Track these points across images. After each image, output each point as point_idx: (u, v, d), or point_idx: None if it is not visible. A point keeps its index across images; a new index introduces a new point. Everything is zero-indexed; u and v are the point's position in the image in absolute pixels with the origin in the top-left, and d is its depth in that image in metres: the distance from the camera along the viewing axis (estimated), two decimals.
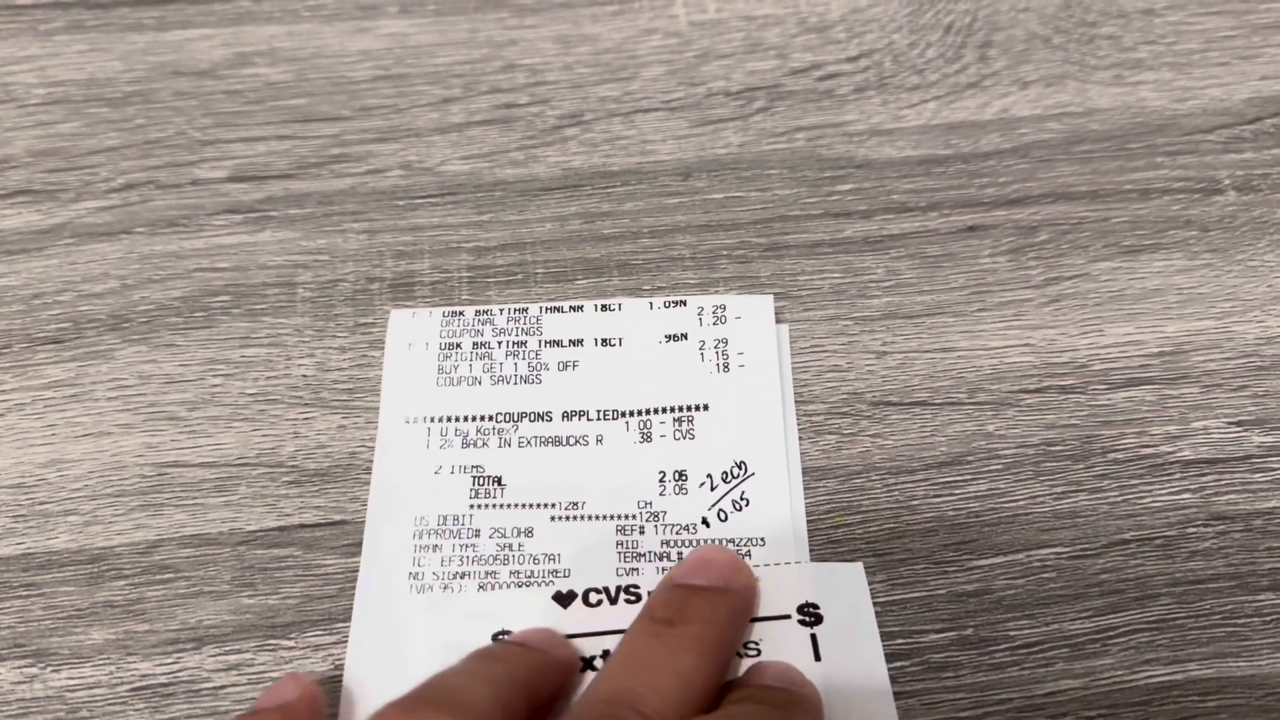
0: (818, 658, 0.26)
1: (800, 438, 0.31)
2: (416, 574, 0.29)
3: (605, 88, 0.39)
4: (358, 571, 0.29)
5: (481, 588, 0.29)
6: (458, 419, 0.31)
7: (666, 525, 0.29)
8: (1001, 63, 0.39)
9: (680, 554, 0.29)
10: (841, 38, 0.40)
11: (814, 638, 0.27)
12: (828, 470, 0.31)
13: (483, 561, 0.29)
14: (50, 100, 0.38)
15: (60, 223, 0.35)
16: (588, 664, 0.26)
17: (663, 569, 0.28)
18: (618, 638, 0.26)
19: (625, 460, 0.30)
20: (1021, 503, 0.30)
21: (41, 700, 0.28)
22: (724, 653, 0.25)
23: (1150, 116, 0.38)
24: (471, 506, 0.30)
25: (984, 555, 0.29)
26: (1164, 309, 0.33)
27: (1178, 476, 0.30)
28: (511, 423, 0.31)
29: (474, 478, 0.30)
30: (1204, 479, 0.30)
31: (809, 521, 0.30)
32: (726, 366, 0.32)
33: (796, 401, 0.32)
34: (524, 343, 0.32)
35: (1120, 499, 0.30)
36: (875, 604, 0.28)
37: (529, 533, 0.29)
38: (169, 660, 0.28)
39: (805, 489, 0.30)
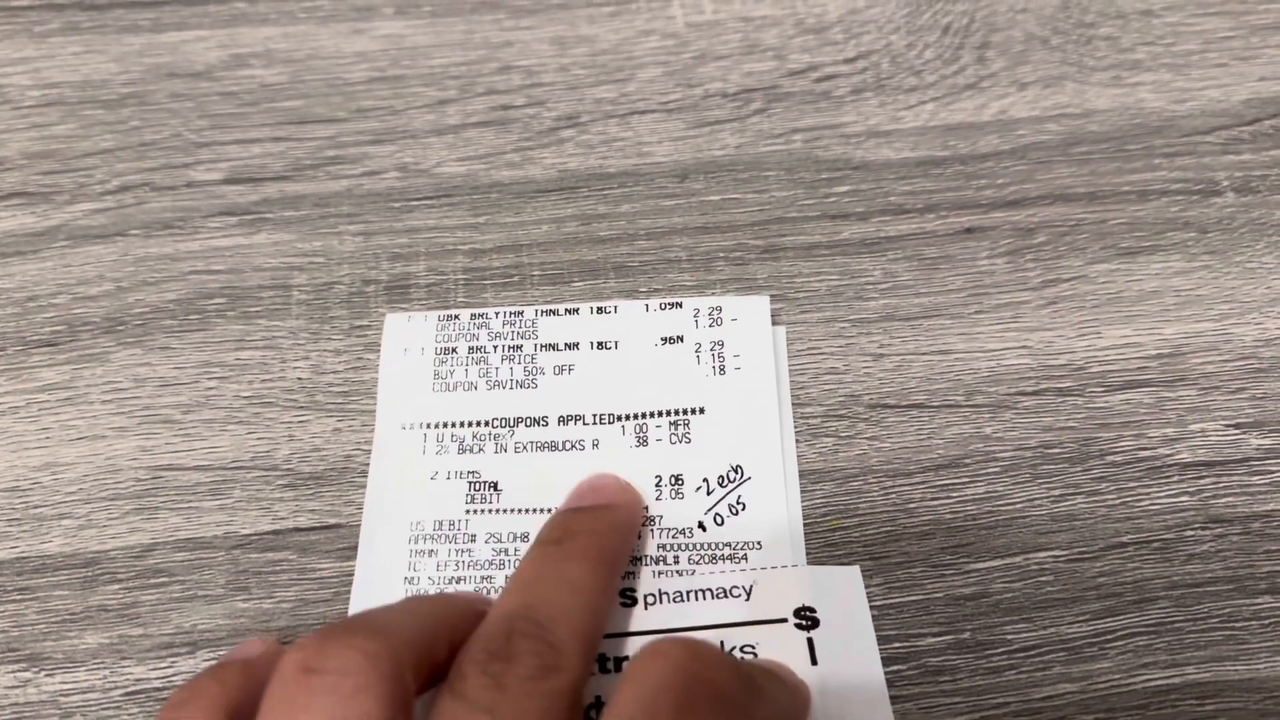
0: (814, 662, 0.26)
1: (797, 440, 0.31)
2: (412, 578, 0.29)
3: (602, 89, 0.38)
4: (353, 576, 0.29)
5: (477, 593, 0.28)
6: (454, 424, 0.31)
7: (663, 529, 0.29)
8: (999, 64, 0.39)
9: (676, 558, 0.29)
10: (839, 39, 0.40)
11: (810, 641, 0.27)
12: (825, 473, 0.31)
13: (478, 566, 0.29)
14: (45, 102, 0.38)
15: (55, 225, 0.35)
16: None
17: (659, 573, 0.28)
18: (615, 640, 0.26)
19: (621, 464, 0.30)
20: (1019, 505, 0.30)
21: (35, 705, 0.28)
22: (611, 559, 0.27)
23: (1148, 118, 0.37)
24: (467, 512, 0.30)
25: (981, 558, 0.29)
26: (1162, 311, 0.33)
27: (1176, 479, 0.30)
28: (507, 428, 0.31)
29: (470, 483, 0.30)
30: (1202, 482, 0.30)
31: (806, 525, 0.30)
32: (723, 369, 0.31)
33: (793, 404, 0.32)
34: (519, 346, 0.32)
35: (1118, 502, 0.30)
36: (872, 607, 0.28)
37: (525, 538, 0.29)
38: (163, 664, 0.28)
39: (802, 492, 0.30)
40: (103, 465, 0.31)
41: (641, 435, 0.31)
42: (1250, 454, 0.31)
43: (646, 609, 0.28)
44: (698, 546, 0.29)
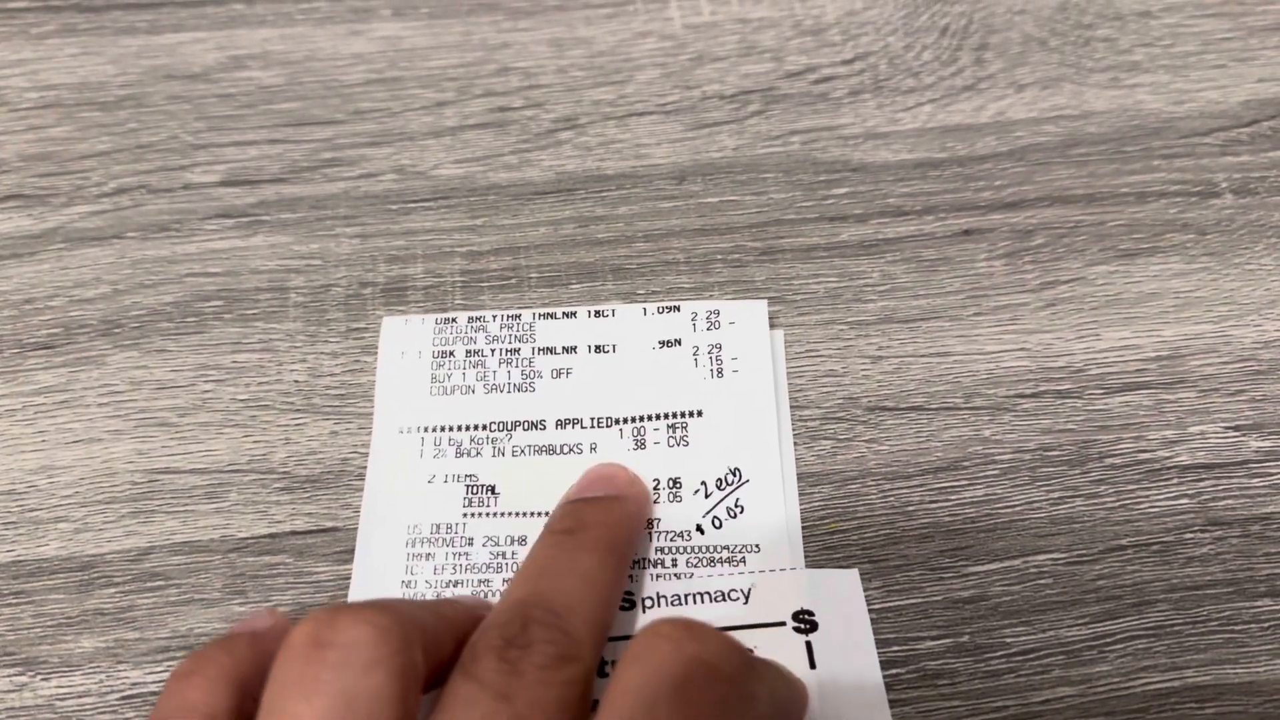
0: (813, 665, 0.26)
1: (795, 443, 0.31)
2: (409, 582, 0.29)
3: (599, 91, 0.38)
4: (350, 579, 0.29)
5: (478, 597, 0.28)
6: (451, 428, 0.31)
7: (661, 532, 0.29)
8: (997, 65, 0.39)
9: (675, 560, 0.29)
10: (836, 41, 0.40)
11: (809, 645, 0.27)
12: (823, 476, 0.30)
13: (476, 570, 0.29)
14: (42, 104, 0.38)
15: (52, 227, 0.35)
16: None
17: (657, 576, 0.28)
18: (612, 643, 0.26)
19: None
20: (1018, 508, 0.30)
21: (31, 709, 0.27)
22: (621, 551, 0.27)
23: (1147, 119, 0.37)
24: (465, 515, 0.30)
25: (980, 561, 0.29)
26: (1161, 313, 0.33)
27: (1175, 481, 0.30)
28: (505, 431, 0.31)
29: (467, 486, 0.30)
30: (1201, 484, 0.30)
31: (804, 528, 0.30)
32: (720, 372, 0.31)
33: (792, 407, 0.32)
34: (517, 350, 0.32)
35: (1117, 504, 0.30)
36: (871, 611, 0.28)
37: (522, 541, 0.29)
38: (160, 669, 0.28)
39: (800, 495, 0.30)
40: (99, 468, 0.31)
41: (639, 438, 0.31)
42: (1250, 456, 0.31)
43: (645, 612, 0.28)
44: (696, 549, 0.29)
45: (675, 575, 0.28)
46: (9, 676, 0.28)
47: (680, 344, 0.32)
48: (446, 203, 0.36)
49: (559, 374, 0.32)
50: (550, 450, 0.30)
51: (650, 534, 0.29)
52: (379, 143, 0.37)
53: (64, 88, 0.38)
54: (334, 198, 0.36)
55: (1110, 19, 0.40)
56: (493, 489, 0.30)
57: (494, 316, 0.33)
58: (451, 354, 0.32)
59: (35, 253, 0.35)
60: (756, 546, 0.29)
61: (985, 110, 0.38)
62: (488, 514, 0.30)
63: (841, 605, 0.28)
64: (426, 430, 0.31)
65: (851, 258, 0.34)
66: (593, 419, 0.31)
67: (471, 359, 0.32)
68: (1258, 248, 0.34)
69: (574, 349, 0.32)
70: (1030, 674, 0.27)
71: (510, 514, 0.30)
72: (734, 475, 0.30)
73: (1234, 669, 0.28)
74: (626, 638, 0.27)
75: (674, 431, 0.31)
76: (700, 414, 0.31)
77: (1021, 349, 0.32)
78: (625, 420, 0.31)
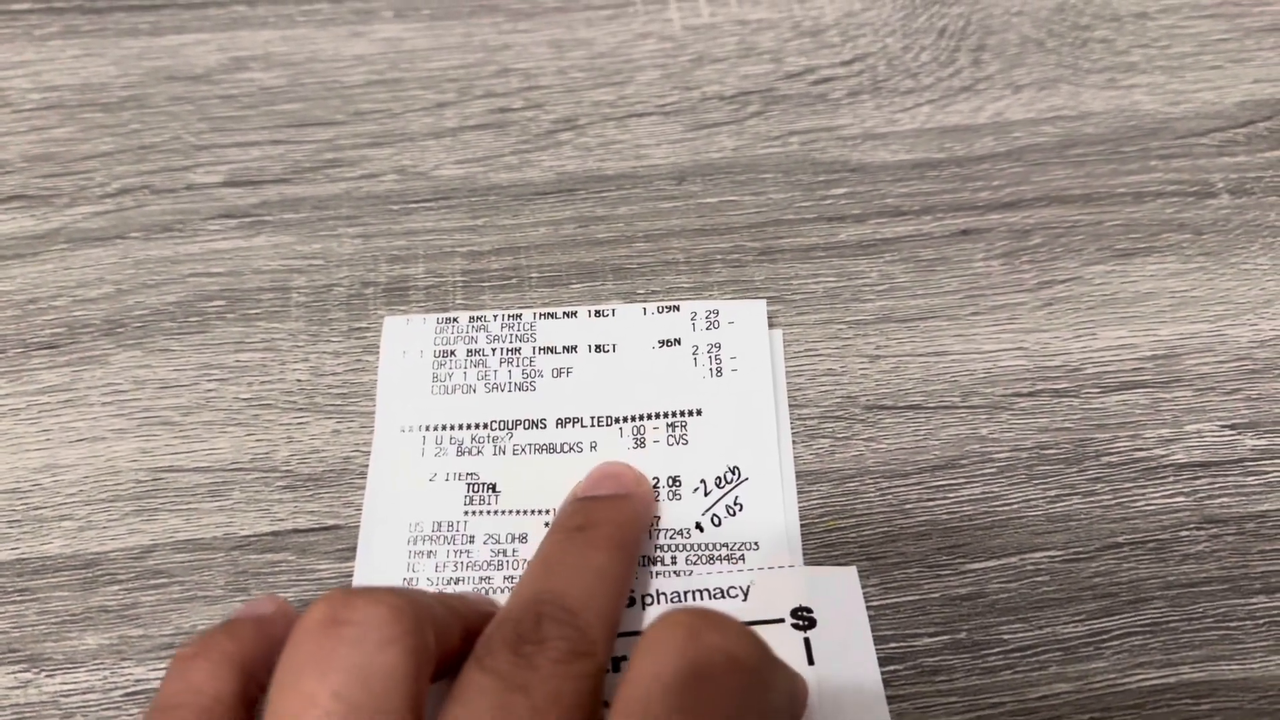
0: (811, 661, 0.26)
1: (794, 442, 0.31)
2: (411, 579, 0.29)
3: (599, 92, 0.39)
4: (352, 576, 0.29)
5: (482, 594, 0.29)
6: (452, 427, 0.31)
7: (660, 530, 0.29)
8: (995, 66, 0.39)
9: (674, 558, 0.29)
10: (835, 42, 0.40)
11: (807, 641, 0.27)
12: (821, 474, 0.31)
13: (477, 567, 0.29)
14: (45, 105, 0.38)
15: (55, 228, 0.35)
16: None
17: (656, 573, 0.29)
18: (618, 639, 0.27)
19: None
20: (1015, 506, 0.30)
21: (36, 705, 0.28)
22: (631, 548, 0.27)
23: (1143, 120, 0.38)
24: (466, 513, 0.30)
25: (977, 559, 0.29)
26: (1157, 312, 0.33)
27: (1171, 480, 0.30)
28: (506, 430, 0.31)
29: (468, 485, 0.30)
30: (1197, 482, 0.30)
31: (803, 525, 0.30)
32: (719, 371, 0.32)
33: (790, 405, 0.32)
34: (518, 349, 0.32)
35: (1113, 502, 0.30)
36: (869, 607, 0.28)
37: (523, 539, 0.29)
38: (163, 665, 0.28)
39: (799, 493, 0.30)
40: (103, 467, 0.31)
41: (639, 437, 0.31)
42: (1245, 454, 0.31)
43: (645, 609, 0.28)
44: (695, 547, 0.29)
45: (675, 572, 0.29)
46: (14, 673, 0.28)
47: (680, 343, 0.32)
48: (447, 203, 0.36)
49: (559, 373, 0.32)
50: (551, 449, 0.31)
51: (650, 532, 0.29)
52: (380, 143, 0.37)
53: (67, 89, 0.39)
54: (336, 198, 0.36)
55: (1107, 20, 0.40)
56: (493, 487, 0.30)
57: (495, 316, 0.33)
58: (453, 353, 0.32)
59: (39, 253, 0.35)
60: (755, 544, 0.29)
61: (983, 111, 0.38)
62: (488, 512, 0.30)
63: (840, 602, 0.28)
64: (428, 429, 0.31)
65: (850, 258, 0.35)
66: (593, 418, 0.31)
67: (472, 358, 0.32)
68: (1253, 247, 0.35)
69: (574, 348, 0.32)
70: (1027, 670, 0.28)
71: (511, 512, 0.30)
72: (733, 473, 0.30)
73: (1229, 665, 0.28)
74: (630, 634, 0.27)
75: (673, 430, 0.31)
76: (700, 413, 0.31)
77: (1019, 348, 0.33)
78: (625, 419, 0.31)
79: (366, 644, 0.20)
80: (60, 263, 0.35)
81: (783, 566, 0.29)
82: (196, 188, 0.36)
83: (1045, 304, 0.33)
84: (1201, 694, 0.27)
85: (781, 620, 0.27)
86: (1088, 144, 0.37)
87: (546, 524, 0.29)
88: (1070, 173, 0.36)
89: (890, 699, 0.27)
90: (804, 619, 0.27)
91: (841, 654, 0.27)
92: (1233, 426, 0.31)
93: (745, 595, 0.28)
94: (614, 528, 0.27)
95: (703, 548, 0.29)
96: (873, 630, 0.28)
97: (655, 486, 0.30)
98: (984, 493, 0.30)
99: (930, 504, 0.30)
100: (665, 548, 0.29)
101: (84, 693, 0.28)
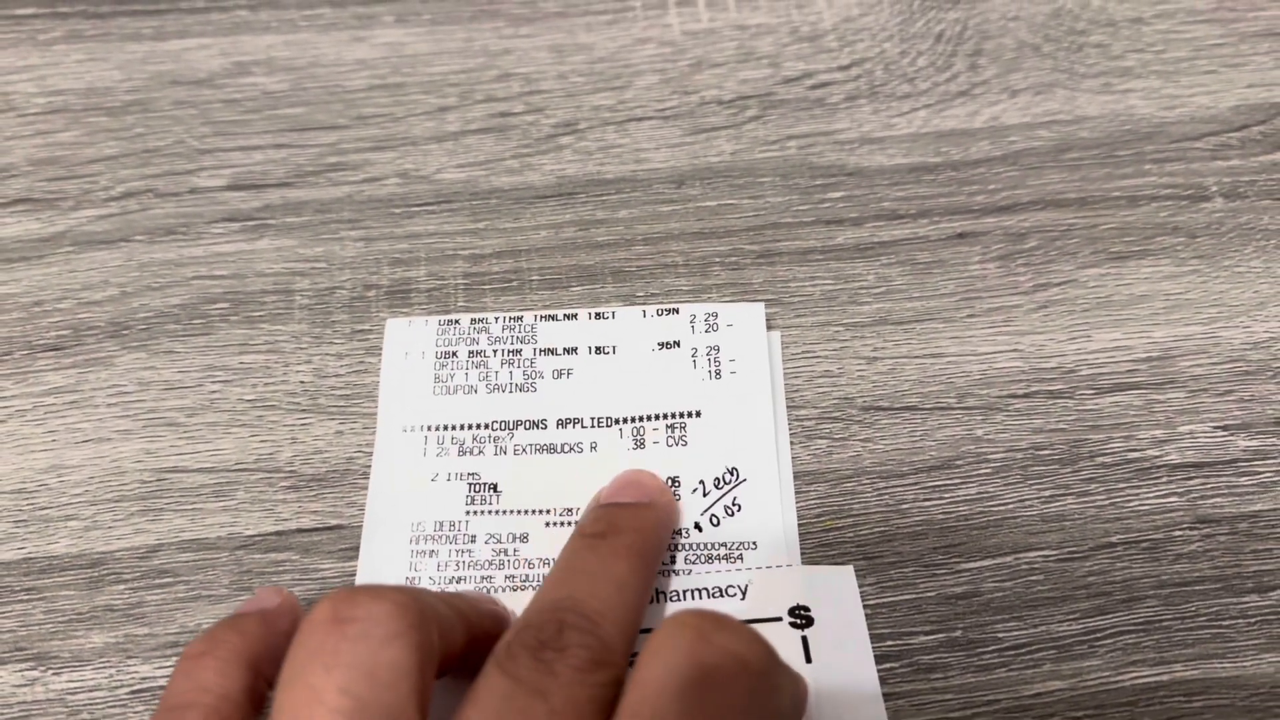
0: (808, 659, 0.27)
1: (792, 442, 0.31)
2: (413, 579, 0.29)
3: (599, 96, 0.39)
4: (355, 576, 0.29)
5: (485, 593, 0.29)
6: (454, 427, 0.31)
7: None
8: (991, 71, 0.39)
9: (674, 558, 0.29)
10: (833, 47, 0.40)
11: (805, 640, 0.27)
12: (819, 474, 0.31)
13: (478, 566, 0.29)
14: (50, 109, 0.39)
15: (60, 231, 0.36)
16: None
17: (656, 572, 0.29)
18: None
19: (619, 467, 0.30)
20: (1010, 506, 0.30)
21: (43, 703, 0.28)
22: (652, 558, 0.27)
23: (1138, 124, 0.38)
24: (468, 513, 0.30)
25: (973, 558, 0.30)
26: (1151, 315, 0.34)
27: (1164, 480, 0.31)
28: (507, 430, 0.31)
29: (470, 484, 0.31)
30: (1190, 483, 0.31)
31: (800, 525, 0.30)
32: (718, 373, 0.32)
33: (788, 406, 0.32)
34: (519, 351, 0.32)
35: (1107, 502, 0.30)
36: (865, 606, 0.29)
37: (524, 538, 0.30)
38: (169, 663, 0.28)
39: (797, 493, 0.31)
40: (108, 467, 0.31)
41: (639, 438, 0.31)
42: (1238, 455, 0.31)
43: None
44: (695, 547, 0.29)
45: (675, 572, 0.29)
46: (21, 671, 0.28)
47: (679, 345, 0.32)
48: (449, 206, 0.36)
49: (560, 374, 0.32)
50: (551, 449, 0.31)
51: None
52: (382, 147, 0.38)
53: (71, 93, 0.39)
54: (338, 202, 0.36)
55: (1103, 25, 0.41)
56: (495, 487, 0.30)
57: (496, 318, 0.33)
58: (454, 355, 0.32)
59: (44, 256, 0.35)
60: (754, 544, 0.29)
61: (979, 115, 0.38)
62: (490, 512, 0.30)
63: (837, 601, 0.28)
64: (430, 429, 0.31)
65: (847, 260, 0.35)
66: (593, 419, 0.31)
67: (474, 360, 0.32)
68: (1247, 250, 0.35)
69: (575, 350, 0.33)
70: (1021, 668, 0.28)
71: (512, 512, 0.30)
72: (732, 474, 0.30)
73: (1221, 663, 0.28)
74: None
75: (673, 431, 0.31)
76: (699, 414, 0.31)
77: (1014, 350, 0.33)
78: (625, 420, 0.31)
79: (371, 640, 0.21)
80: (65, 265, 0.35)
81: (780, 566, 0.29)
82: (200, 191, 0.37)
83: (1040, 306, 0.34)
84: (1194, 691, 0.28)
85: (779, 619, 0.27)
86: (1083, 148, 0.37)
87: (548, 524, 0.30)
88: (1065, 176, 0.37)
89: (887, 696, 0.27)
90: (802, 617, 0.28)
91: (839, 652, 0.27)
92: (1225, 428, 0.32)
93: (743, 594, 0.28)
94: (636, 536, 0.27)
95: (702, 547, 0.29)
96: (869, 628, 0.28)
97: None
98: (979, 493, 0.31)
99: (926, 504, 0.30)
100: (666, 546, 0.29)
101: (90, 690, 0.28)
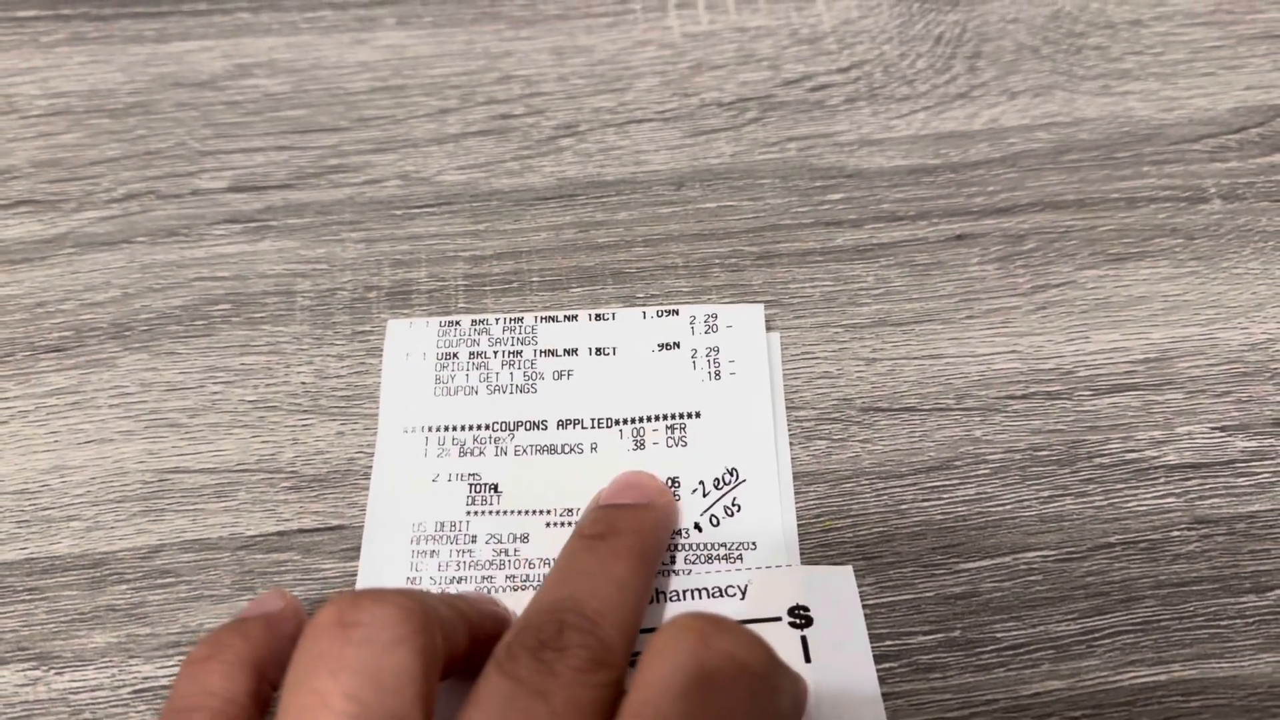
0: (808, 659, 0.27)
1: (791, 443, 0.32)
2: (414, 579, 0.29)
3: (600, 98, 0.39)
4: (356, 576, 0.30)
5: (487, 594, 0.29)
6: (455, 428, 0.32)
7: None
8: (990, 73, 0.39)
9: (674, 558, 0.29)
10: (833, 49, 0.40)
11: (804, 639, 0.27)
12: (818, 475, 0.31)
13: (479, 566, 0.29)
14: (52, 111, 0.39)
15: (62, 232, 0.36)
16: None
17: (656, 573, 0.29)
18: None
19: (619, 467, 0.31)
20: (1008, 507, 0.31)
21: (45, 702, 0.28)
22: (652, 559, 0.27)
23: (1137, 126, 0.38)
24: (468, 513, 0.30)
25: (971, 558, 0.30)
26: (1149, 316, 0.34)
27: (1162, 481, 0.31)
28: (507, 431, 0.31)
29: (470, 485, 0.31)
30: (1188, 483, 0.31)
31: (800, 526, 0.30)
32: (718, 374, 0.32)
33: (788, 407, 0.32)
34: (519, 352, 0.33)
35: (1106, 503, 0.31)
36: (864, 606, 0.29)
37: (524, 538, 0.30)
38: (171, 663, 0.29)
39: (796, 494, 0.31)
40: (110, 468, 0.31)
41: (639, 439, 0.31)
42: (1235, 456, 0.31)
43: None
44: (694, 547, 0.30)
45: (675, 572, 0.29)
46: (24, 671, 0.29)
47: (679, 346, 0.33)
48: (450, 208, 0.36)
49: (560, 375, 0.32)
50: (551, 450, 0.31)
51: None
52: (383, 149, 0.38)
53: (73, 95, 0.39)
54: (339, 203, 0.36)
55: (1101, 27, 0.41)
56: (495, 487, 0.31)
57: (496, 319, 0.33)
58: (455, 356, 0.33)
59: (46, 257, 0.35)
60: (753, 544, 0.30)
61: (978, 117, 0.38)
62: (490, 512, 0.30)
63: (836, 601, 0.28)
64: (430, 430, 0.31)
65: (846, 262, 0.35)
66: (593, 420, 0.32)
67: (474, 361, 0.32)
68: (1245, 252, 0.35)
69: (575, 351, 0.33)
70: (1020, 668, 0.28)
71: (512, 512, 0.30)
72: (731, 475, 0.31)
73: (1219, 663, 0.28)
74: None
75: (673, 432, 0.31)
76: (698, 415, 0.31)
77: (1012, 351, 0.33)
78: (625, 421, 0.31)
79: (376, 644, 0.21)
80: (67, 267, 0.35)
81: (780, 566, 0.29)
82: (202, 193, 0.37)
83: (1039, 308, 0.34)
84: (1192, 691, 0.28)
85: (779, 619, 0.28)
86: (1082, 150, 0.37)
87: (548, 524, 0.30)
88: (1064, 178, 0.37)
89: (885, 696, 0.27)
90: (801, 617, 0.28)
91: (838, 652, 0.27)
92: (1223, 429, 0.32)
93: (743, 594, 0.28)
94: (635, 537, 0.27)
95: (701, 547, 0.30)
96: (868, 628, 0.28)
97: None
98: (978, 493, 0.31)
99: (925, 504, 0.31)
100: (666, 548, 0.30)
101: (92, 690, 0.28)
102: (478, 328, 0.33)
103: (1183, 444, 0.31)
